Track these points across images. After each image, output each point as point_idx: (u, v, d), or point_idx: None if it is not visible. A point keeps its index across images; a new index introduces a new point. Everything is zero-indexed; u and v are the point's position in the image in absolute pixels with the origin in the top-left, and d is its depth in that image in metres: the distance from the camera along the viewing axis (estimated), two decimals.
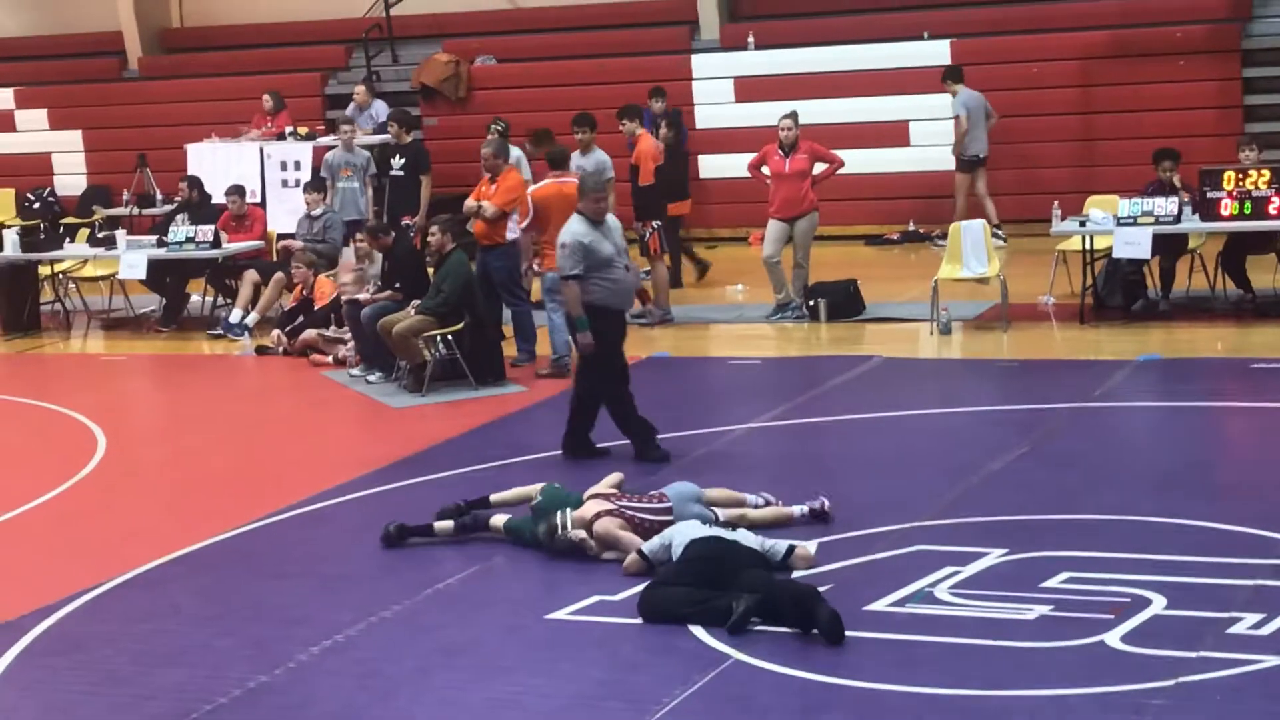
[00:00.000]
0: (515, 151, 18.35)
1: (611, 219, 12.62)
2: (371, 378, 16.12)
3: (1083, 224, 17.06)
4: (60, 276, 21.01)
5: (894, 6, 23.65)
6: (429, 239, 15.68)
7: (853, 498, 11.40)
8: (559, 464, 12.54)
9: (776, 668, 8.51)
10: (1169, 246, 16.86)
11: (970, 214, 21.71)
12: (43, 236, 21.37)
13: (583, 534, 10.30)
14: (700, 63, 24.04)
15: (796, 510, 10.80)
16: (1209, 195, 16.42)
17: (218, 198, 20.83)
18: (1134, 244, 16.37)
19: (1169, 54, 21.93)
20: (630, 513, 10.41)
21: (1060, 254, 18.02)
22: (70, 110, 27.36)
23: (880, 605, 9.25)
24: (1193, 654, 8.31)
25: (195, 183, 21.04)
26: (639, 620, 9.25)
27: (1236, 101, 21.80)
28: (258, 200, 22.27)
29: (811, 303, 17.78)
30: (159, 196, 24.38)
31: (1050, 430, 12.92)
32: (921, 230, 22.51)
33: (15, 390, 17.08)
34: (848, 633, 8.79)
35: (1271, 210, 16.24)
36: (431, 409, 15.01)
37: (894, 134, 22.80)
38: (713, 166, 23.47)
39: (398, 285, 16.12)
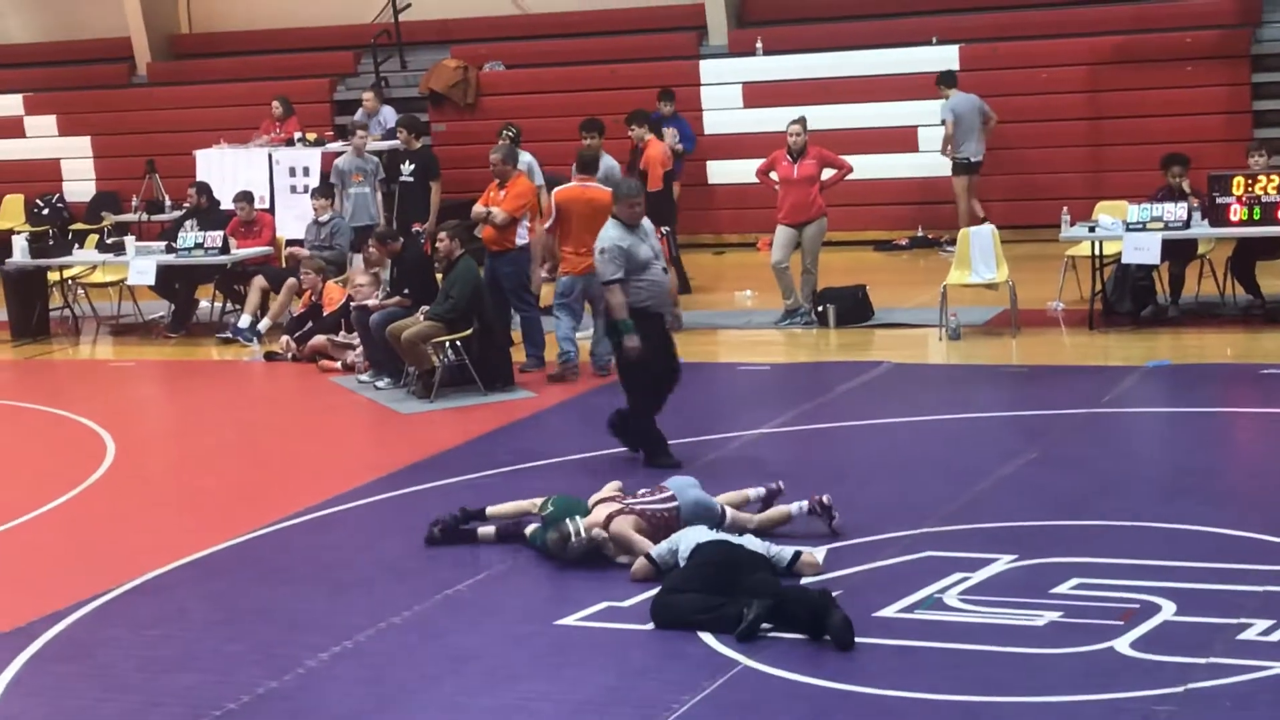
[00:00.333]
0: (525, 157, 18.36)
1: (645, 222, 12.62)
2: (380, 383, 16.13)
3: (1092, 229, 17.04)
4: (69, 282, 21.02)
5: (902, 12, 23.64)
6: (437, 245, 15.69)
7: (862, 503, 11.39)
8: (568, 471, 12.54)
9: (785, 674, 8.50)
10: (1178, 252, 16.85)
11: (948, 218, 21.85)
12: (52, 242, 21.40)
13: (601, 533, 10.30)
14: (708, 68, 24.04)
15: (794, 507, 10.76)
16: (1218, 201, 16.40)
17: (226, 204, 20.85)
18: (1143, 249, 16.35)
19: (1178, 59, 21.93)
20: (640, 507, 10.43)
21: (1069, 259, 18.00)
22: (79, 116, 27.40)
23: (889, 611, 9.24)
24: (1202, 660, 8.30)
25: (204, 188, 21.05)
26: (648, 626, 9.25)
27: (1246, 107, 21.79)
28: (266, 206, 22.27)
29: (820, 308, 17.78)
30: (168, 202, 24.41)
31: (1059, 436, 12.91)
32: (930, 236, 22.50)
33: (24, 396, 17.10)
34: (857, 639, 8.78)
35: None
36: (440, 415, 15.01)
37: (902, 139, 22.79)
38: (721, 172, 23.48)
39: (406, 291, 16.12)
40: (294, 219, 21.98)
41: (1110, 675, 8.22)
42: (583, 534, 10.33)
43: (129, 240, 20.45)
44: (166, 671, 9.17)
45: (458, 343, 15.50)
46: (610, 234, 12.46)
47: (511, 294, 16.36)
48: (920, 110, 22.45)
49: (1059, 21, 22.93)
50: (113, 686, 9.04)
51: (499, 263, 16.34)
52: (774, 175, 18.11)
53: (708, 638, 8.99)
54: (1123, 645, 8.56)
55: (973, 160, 21.68)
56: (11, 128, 27.69)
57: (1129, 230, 16.49)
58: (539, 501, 10.87)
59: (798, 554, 9.89)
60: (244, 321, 19.12)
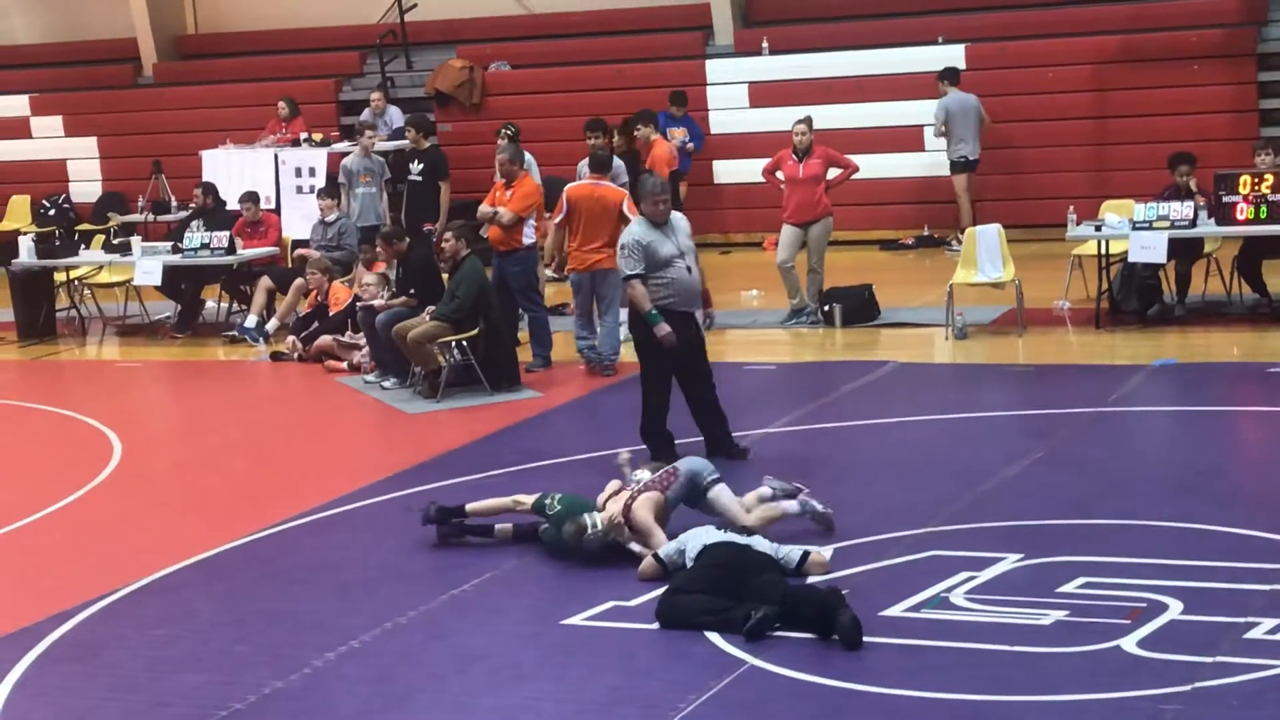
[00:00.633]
0: (526, 156, 18.37)
1: (678, 219, 12.55)
2: (386, 384, 16.13)
3: (1098, 228, 17.04)
4: (75, 283, 21.04)
5: (908, 11, 23.64)
6: (443, 245, 15.69)
7: (868, 503, 11.41)
8: (574, 470, 12.54)
9: (792, 673, 8.50)
10: (1184, 251, 16.84)
11: (948, 217, 21.88)
12: (58, 243, 21.42)
13: (619, 519, 10.32)
14: (714, 68, 24.04)
15: (790, 506, 10.74)
16: (1224, 199, 16.39)
17: (232, 204, 20.87)
18: (1150, 248, 16.34)
19: (1184, 58, 21.92)
20: (655, 488, 10.50)
21: (1076, 259, 17.99)
22: (85, 117, 27.43)
23: (896, 611, 9.24)
24: (1209, 659, 8.29)
25: (210, 189, 21.08)
26: (654, 626, 9.24)
27: (1252, 105, 21.77)
28: (272, 206, 22.30)
29: (826, 308, 17.78)
30: (174, 203, 24.42)
31: (1066, 435, 12.90)
32: (936, 235, 22.50)
33: (31, 396, 17.11)
34: (864, 638, 8.78)
35: None
36: (446, 415, 15.01)
37: (908, 139, 22.78)
38: (727, 172, 23.48)
39: (412, 291, 16.13)
40: (300, 219, 22.02)
41: (1117, 674, 8.22)
42: (599, 525, 10.33)
43: (135, 241, 20.46)
44: (173, 671, 9.17)
45: (464, 343, 15.51)
46: (633, 230, 12.50)
47: (519, 294, 16.38)
48: (926, 110, 22.43)
49: (1064, 20, 22.93)
50: (119, 686, 9.04)
51: (506, 262, 16.36)
52: (780, 175, 18.11)
53: (714, 637, 8.98)
54: (1129, 644, 8.55)
55: (970, 159, 21.70)
56: (18, 128, 27.73)
57: (1135, 229, 16.48)
58: (525, 499, 10.82)
59: (806, 554, 9.89)
60: (250, 322, 19.13)
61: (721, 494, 10.54)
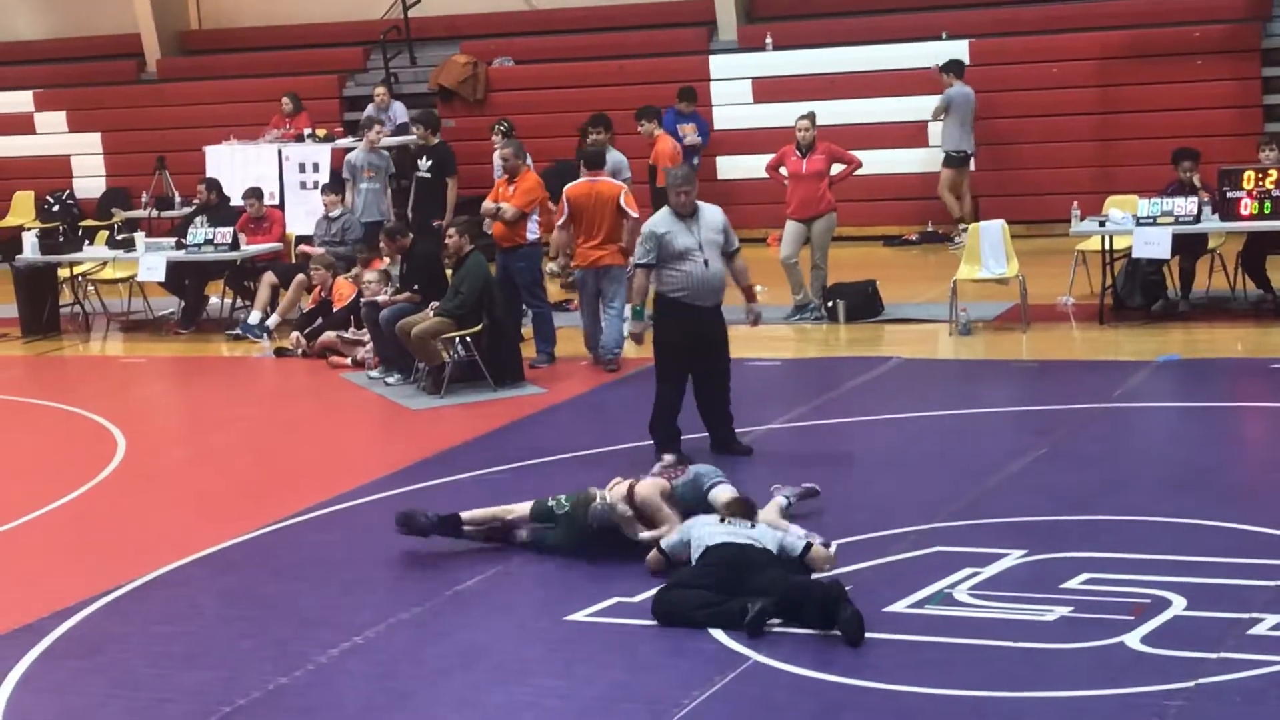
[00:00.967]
0: None
1: (709, 213, 12.45)
2: (390, 380, 16.13)
3: (1102, 224, 17.03)
4: (79, 279, 21.04)
5: (912, 7, 23.61)
6: (446, 241, 15.69)
7: (871, 499, 11.42)
8: (578, 466, 12.54)
9: (795, 669, 8.50)
10: (1188, 246, 16.83)
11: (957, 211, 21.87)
12: (62, 239, 21.41)
13: (625, 508, 10.33)
14: (718, 64, 24.02)
15: (782, 499, 10.71)
16: (1228, 195, 16.39)
17: (236, 200, 20.87)
18: (1153, 244, 16.34)
19: (1188, 54, 21.88)
20: (661, 478, 10.57)
21: (1080, 254, 17.98)
22: (89, 113, 27.42)
23: (899, 607, 9.24)
24: (1213, 655, 8.29)
25: (214, 185, 21.07)
26: (656, 622, 9.24)
27: (1256, 101, 21.75)
28: (276, 202, 22.30)
29: (830, 304, 17.77)
30: (178, 199, 24.44)
31: (1070, 431, 12.90)
32: (940, 231, 22.48)
33: (35, 392, 17.12)
34: (867, 634, 8.79)
35: None
36: (450, 411, 15.01)
37: (912, 134, 22.75)
38: (730, 167, 23.45)
39: (416, 287, 16.13)
40: (304, 215, 22.01)
41: (1120, 670, 8.22)
42: (608, 498, 10.37)
43: (139, 236, 20.47)
44: (176, 668, 9.18)
45: (468, 338, 15.51)
46: (654, 219, 12.53)
47: (524, 289, 16.39)
48: (930, 106, 22.39)
49: (1068, 16, 22.89)
50: (123, 683, 9.05)
51: (510, 258, 16.36)
52: (783, 170, 18.10)
53: (718, 633, 8.99)
54: (1133, 640, 8.55)
55: (968, 153, 21.71)
56: (22, 124, 27.72)
57: (1139, 225, 16.47)
58: (515, 508, 10.79)
59: (809, 545, 9.88)
60: (254, 318, 19.13)
61: (722, 494, 10.51)
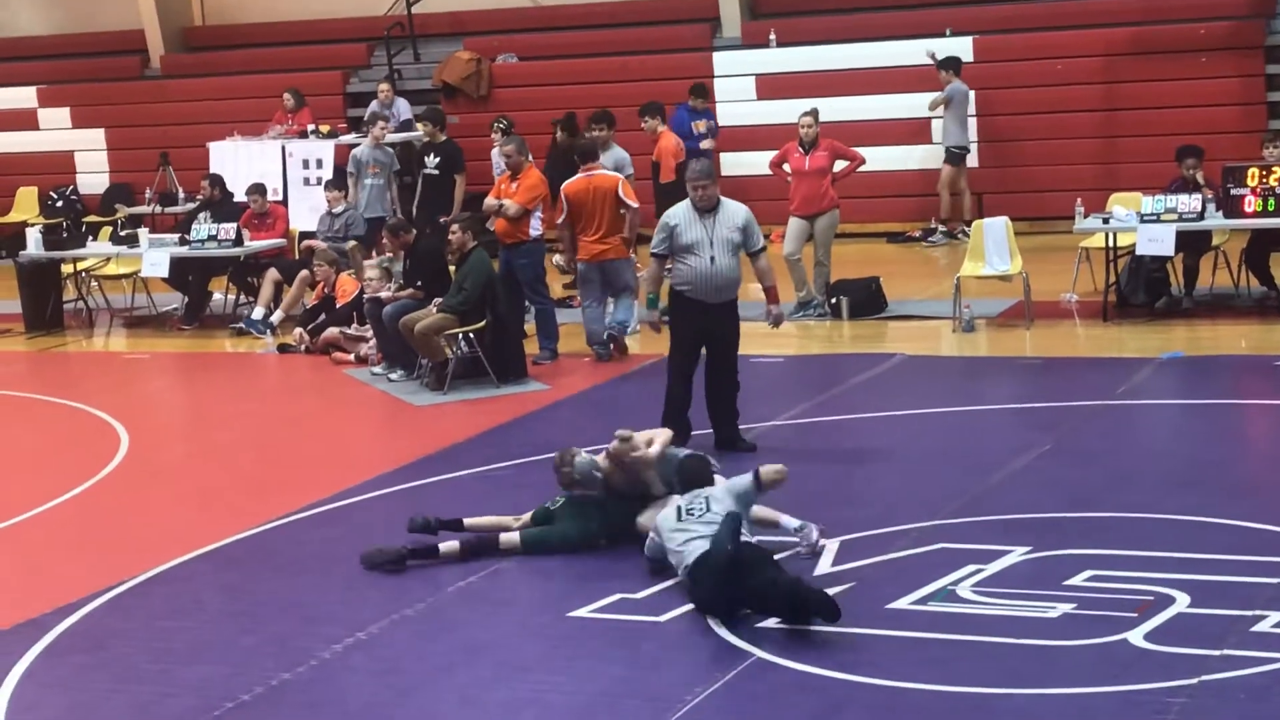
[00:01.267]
0: None
1: (730, 209, 12.42)
2: (393, 376, 16.13)
3: (1106, 221, 17.01)
4: (83, 275, 21.03)
5: (916, 4, 23.61)
6: (450, 237, 15.69)
7: (875, 496, 11.42)
8: None
9: (798, 665, 8.50)
10: (1192, 244, 16.82)
11: (954, 208, 21.88)
12: (65, 235, 21.43)
13: (604, 462, 10.57)
14: (722, 60, 24.02)
15: (785, 521, 10.42)
16: (1232, 192, 16.39)
17: (239, 196, 20.87)
18: (1157, 241, 16.33)
19: (1192, 50, 21.88)
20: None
21: (1083, 251, 17.97)
22: (92, 109, 27.42)
23: (902, 603, 9.24)
24: (1216, 652, 8.29)
25: (217, 181, 21.07)
26: (661, 618, 9.24)
27: (1260, 98, 21.74)
28: (279, 198, 22.30)
29: (833, 300, 17.76)
30: (181, 195, 24.41)
31: (1073, 428, 12.89)
32: (945, 227, 22.46)
33: (38, 388, 17.12)
34: (869, 631, 8.82)
35: None
36: (453, 407, 15.01)
37: (916, 131, 22.74)
38: (734, 164, 23.44)
39: (419, 284, 16.13)
40: (307, 211, 22.01)
41: (1124, 667, 8.21)
42: (585, 455, 10.57)
43: (142, 233, 20.48)
44: (180, 663, 9.18)
45: (471, 335, 15.51)
46: (672, 209, 12.56)
47: (527, 286, 16.39)
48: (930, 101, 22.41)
49: (1073, 13, 22.88)
50: (126, 678, 9.06)
51: (513, 255, 16.36)
52: (786, 167, 18.10)
53: (721, 630, 8.99)
54: (1137, 637, 8.55)
55: (966, 149, 21.74)
56: (25, 120, 27.73)
57: (1143, 222, 16.47)
58: (513, 521, 10.81)
59: (756, 473, 9.81)
60: (257, 314, 19.14)
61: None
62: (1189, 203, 16.42)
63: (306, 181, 23.01)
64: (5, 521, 12.26)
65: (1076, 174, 21.78)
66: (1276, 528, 10.10)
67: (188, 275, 19.94)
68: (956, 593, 9.36)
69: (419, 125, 21.74)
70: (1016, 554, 9.90)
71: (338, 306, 17.87)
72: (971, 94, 21.84)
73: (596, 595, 9.66)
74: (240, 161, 23.43)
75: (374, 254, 17.67)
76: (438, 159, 20.33)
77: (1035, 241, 20.16)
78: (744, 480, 9.86)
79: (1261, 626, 8.59)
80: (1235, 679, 8.01)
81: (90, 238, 21.44)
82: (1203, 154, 17.30)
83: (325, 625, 9.52)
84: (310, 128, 23.68)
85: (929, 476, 11.81)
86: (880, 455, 12.66)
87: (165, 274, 19.74)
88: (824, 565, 9.93)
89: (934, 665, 8.40)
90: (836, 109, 21.60)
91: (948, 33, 22.94)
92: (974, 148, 22.36)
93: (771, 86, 23.45)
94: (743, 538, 9.39)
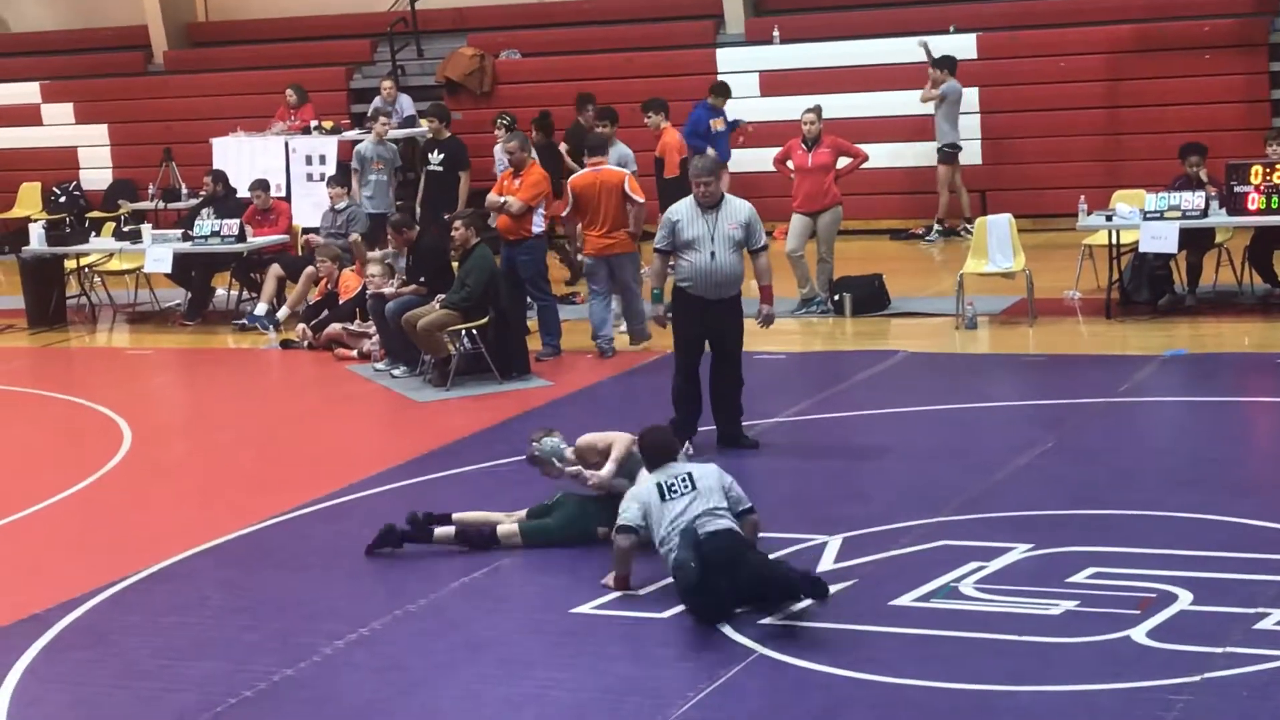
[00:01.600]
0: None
1: (733, 206, 12.43)
2: (396, 372, 16.13)
3: (1109, 218, 17.00)
4: (86, 270, 21.04)
5: (920, 0, 23.59)
6: (453, 233, 15.69)
7: (877, 493, 11.42)
8: None
9: (801, 663, 8.50)
10: (1196, 241, 16.81)
11: (952, 206, 21.89)
12: (68, 230, 21.42)
13: (568, 449, 10.63)
14: (725, 57, 24.02)
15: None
16: (1236, 190, 16.37)
17: (243, 192, 20.87)
18: (1161, 238, 16.32)
19: (1196, 48, 21.87)
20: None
21: (1086, 248, 17.96)
22: (96, 104, 27.44)
23: (905, 600, 9.24)
24: (1219, 650, 8.29)
25: (220, 177, 21.08)
26: (664, 614, 9.24)
27: (1264, 95, 21.73)
28: (282, 194, 22.30)
29: (836, 297, 17.76)
30: (184, 190, 24.44)
31: (1076, 425, 12.89)
32: (947, 224, 22.46)
33: (41, 384, 17.12)
34: (872, 628, 8.83)
35: None
36: (456, 403, 15.02)
37: (919, 128, 22.71)
38: (737, 161, 23.39)
39: (422, 280, 16.13)
40: (310, 207, 22.01)
41: (1127, 665, 8.21)
42: (555, 440, 10.65)
43: (145, 228, 20.48)
44: (182, 659, 9.19)
45: (474, 331, 15.51)
46: (675, 206, 12.58)
47: (528, 282, 16.38)
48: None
49: (1076, 10, 22.87)
50: (128, 674, 9.06)
51: (515, 251, 16.36)
52: (790, 164, 18.09)
53: (724, 627, 8.98)
54: (1139, 635, 8.55)
55: (960, 148, 21.75)
56: (29, 115, 27.74)
57: (1146, 219, 16.46)
58: (516, 514, 10.80)
59: (751, 510, 9.68)
60: (260, 310, 19.14)
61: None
62: (1192, 200, 16.41)
63: (309, 178, 23.03)
64: (7, 517, 12.27)
65: (1080, 171, 21.76)
66: (1279, 525, 10.09)
67: (190, 271, 19.95)
68: (959, 590, 9.36)
69: (423, 121, 21.75)
70: (1019, 551, 9.90)
71: (341, 303, 17.88)
72: (965, 92, 21.82)
73: (599, 592, 9.66)
74: (243, 157, 23.44)
75: (378, 250, 17.66)
76: (442, 155, 20.34)
77: (1038, 239, 20.17)
78: (742, 497, 9.67)
79: (1264, 624, 8.58)
80: (1238, 676, 8.00)
81: (93, 233, 21.43)
82: (1206, 151, 17.29)
83: (327, 621, 9.52)
84: (313, 124, 23.69)
85: (931, 474, 11.80)
86: (883, 452, 12.66)
87: (168, 270, 19.75)
88: (827, 562, 9.93)
89: (936, 662, 8.40)
90: (840, 106, 21.59)
91: (951, 29, 22.93)
92: (978, 145, 22.40)
93: (775, 83, 23.44)
94: (715, 525, 9.31)
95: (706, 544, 9.18)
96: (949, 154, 21.77)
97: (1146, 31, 22.19)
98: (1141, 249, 16.64)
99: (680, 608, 9.24)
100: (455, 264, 16.02)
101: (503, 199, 16.32)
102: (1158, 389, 14.04)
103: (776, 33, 23.85)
